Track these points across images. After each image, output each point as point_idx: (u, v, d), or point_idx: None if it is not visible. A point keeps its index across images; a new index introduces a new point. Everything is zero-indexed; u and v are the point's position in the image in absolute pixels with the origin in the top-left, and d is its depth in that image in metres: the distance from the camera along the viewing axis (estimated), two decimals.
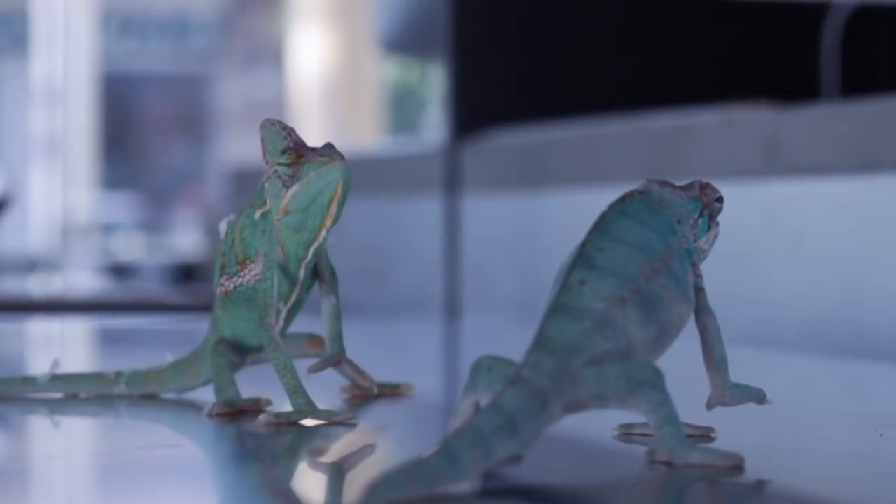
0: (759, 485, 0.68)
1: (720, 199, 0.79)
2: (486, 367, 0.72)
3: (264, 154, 0.85)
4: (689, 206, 0.77)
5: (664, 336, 0.73)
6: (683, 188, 0.78)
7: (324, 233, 0.85)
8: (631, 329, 0.71)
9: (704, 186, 0.78)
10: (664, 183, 0.77)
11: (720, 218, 0.79)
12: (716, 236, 0.78)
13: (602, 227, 0.73)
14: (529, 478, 0.70)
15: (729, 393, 0.77)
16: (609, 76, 2.06)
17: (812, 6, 2.03)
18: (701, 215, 0.77)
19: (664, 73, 2.01)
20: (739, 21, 2.11)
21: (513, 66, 2.06)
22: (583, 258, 0.72)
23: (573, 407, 0.69)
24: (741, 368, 0.78)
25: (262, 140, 0.86)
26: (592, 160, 1.66)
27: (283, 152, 0.84)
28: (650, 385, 0.69)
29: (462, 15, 2.03)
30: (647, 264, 0.72)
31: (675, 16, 2.10)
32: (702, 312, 0.76)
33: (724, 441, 0.76)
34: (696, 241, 0.77)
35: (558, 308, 0.70)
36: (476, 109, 2.01)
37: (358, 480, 0.71)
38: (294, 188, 0.84)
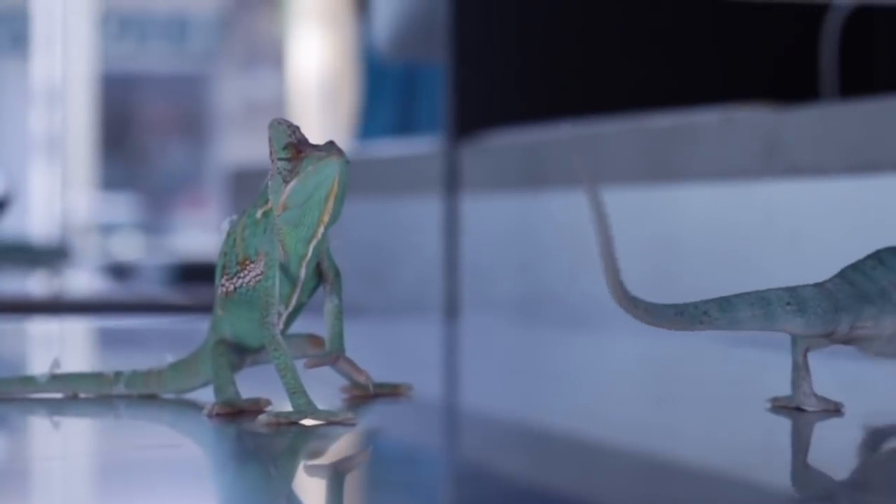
0: (759, 484, 0.68)
1: None
2: None
3: (270, 153, 0.85)
4: None
5: None
6: None
7: (322, 229, 0.85)
8: None
9: None
10: None
11: None
12: None
13: None
14: (533, 479, 0.70)
15: None
16: (609, 76, 2.06)
17: (811, 6, 2.03)
18: None
19: (663, 73, 2.01)
20: (738, 21, 2.11)
21: (512, 65, 2.06)
22: (875, 257, 0.82)
23: (854, 330, 0.80)
24: (740, 368, 0.78)
25: (269, 139, 0.85)
26: (592, 160, 1.65)
27: (284, 148, 0.84)
28: None
29: (462, 15, 2.03)
30: None
31: (674, 16, 2.10)
32: None
33: (723, 440, 0.76)
34: None
35: (853, 271, 0.81)
36: (475, 109, 2.01)
37: (357, 481, 0.71)
38: (292, 183, 0.84)
